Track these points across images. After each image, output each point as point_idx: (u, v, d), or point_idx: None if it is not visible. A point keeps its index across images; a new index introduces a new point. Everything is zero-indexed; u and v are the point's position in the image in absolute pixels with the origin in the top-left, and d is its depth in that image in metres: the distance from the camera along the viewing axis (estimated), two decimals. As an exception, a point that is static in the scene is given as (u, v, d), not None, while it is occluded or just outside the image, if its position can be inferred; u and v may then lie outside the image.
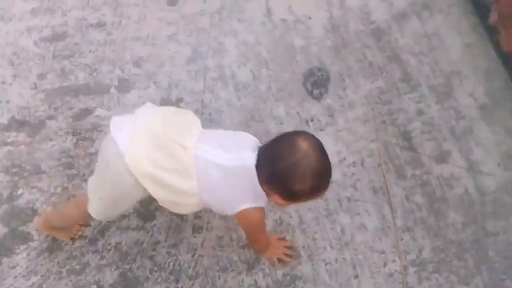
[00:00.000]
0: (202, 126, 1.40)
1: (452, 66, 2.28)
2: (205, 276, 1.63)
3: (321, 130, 2.00)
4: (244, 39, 2.20)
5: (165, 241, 1.68)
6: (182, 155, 1.30)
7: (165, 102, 1.96)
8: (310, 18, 2.32)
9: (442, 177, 1.96)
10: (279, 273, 1.66)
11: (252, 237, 1.59)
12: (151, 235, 1.69)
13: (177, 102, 1.96)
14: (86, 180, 1.71)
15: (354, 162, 1.94)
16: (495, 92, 2.24)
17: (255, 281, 1.64)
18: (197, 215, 1.73)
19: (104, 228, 1.68)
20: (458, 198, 1.92)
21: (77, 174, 1.79)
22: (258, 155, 1.31)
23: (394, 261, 1.75)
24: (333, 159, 1.84)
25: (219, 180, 1.33)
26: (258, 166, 1.30)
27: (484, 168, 2.01)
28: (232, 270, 1.65)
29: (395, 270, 1.73)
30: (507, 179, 1.99)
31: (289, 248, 1.69)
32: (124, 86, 1.99)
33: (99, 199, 1.39)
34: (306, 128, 1.98)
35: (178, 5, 2.26)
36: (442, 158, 2.01)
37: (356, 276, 1.70)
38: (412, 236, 1.80)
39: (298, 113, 2.03)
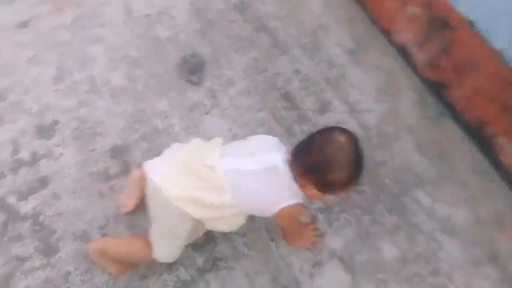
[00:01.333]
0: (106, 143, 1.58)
1: (316, 21, 2.40)
2: (128, 288, 1.63)
3: (207, 114, 2.03)
4: (110, 43, 2.15)
5: (76, 269, 1.63)
6: (210, 174, 1.40)
7: (40, 129, 1.88)
8: (172, 7, 2.32)
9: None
10: (199, 260, 1.69)
11: (289, 232, 1.68)
12: (59, 269, 1.63)
13: (53, 126, 1.90)
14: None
15: (245, 135, 1.98)
16: (359, 36, 2.40)
17: (178, 277, 1.66)
18: (103, 233, 1.70)
19: (7, 278, 1.59)
20: (347, 140, 2.05)
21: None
22: (293, 151, 1.39)
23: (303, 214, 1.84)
24: (225, 137, 1.91)
25: (251, 186, 1.41)
26: (293, 160, 1.38)
27: (363, 107, 2.16)
28: (153, 275, 1.65)
29: (306, 222, 1.82)
30: (384, 110, 2.16)
31: (316, 229, 1.77)
32: (-8, 123, 1.89)
33: (157, 237, 1.49)
34: (191, 115, 2.00)
35: (30, 25, 2.16)
36: (324, 108, 2.13)
37: (272, 239, 1.77)
38: (314, 187, 1.90)
39: (181, 103, 2.04)
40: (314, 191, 1.39)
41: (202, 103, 2.05)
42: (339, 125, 2.04)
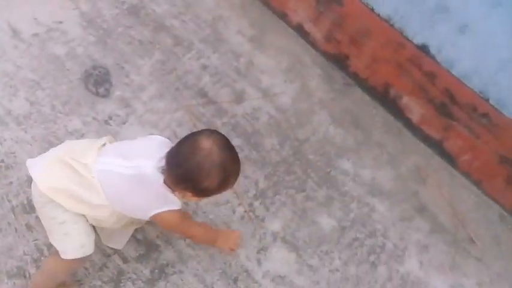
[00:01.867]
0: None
1: (212, 13, 2.42)
2: (79, 315, 1.56)
3: (124, 123, 1.98)
4: (2, 70, 2.01)
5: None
6: (84, 171, 1.35)
7: None
8: (61, 22, 2.22)
9: (247, 114, 2.12)
10: (146, 271, 1.66)
11: (182, 234, 1.63)
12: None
13: (-41, 166, 1.75)
14: None
15: (168, 138, 1.96)
16: (257, 22, 2.46)
17: (128, 292, 1.63)
18: (39, 265, 1.61)
19: None
20: (267, 124, 2.11)
21: None
22: (166, 161, 1.33)
23: (239, 204, 1.87)
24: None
25: (123, 189, 1.36)
26: (167, 170, 1.33)
27: (276, 90, 2.23)
28: (102, 295, 1.60)
29: (245, 211, 1.86)
30: (296, 89, 2.25)
31: (237, 237, 1.72)
32: None
33: (53, 238, 1.41)
34: (108, 128, 1.94)
35: None
36: (239, 98, 2.17)
37: (215, 235, 1.79)
38: (244, 175, 1.94)
39: (94, 118, 1.97)
40: (194, 198, 1.38)
41: (116, 114, 2.00)
42: (256, 111, 2.13)
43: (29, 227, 1.67)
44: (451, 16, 1.91)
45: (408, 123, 2.24)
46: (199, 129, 1.44)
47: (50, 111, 1.94)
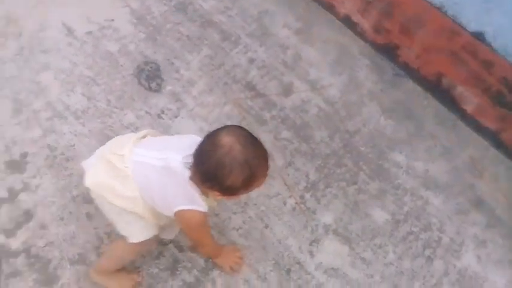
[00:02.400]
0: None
1: (258, 7, 2.42)
2: (137, 302, 1.61)
3: (176, 117, 2.02)
4: (59, 67, 2.09)
5: (81, 292, 1.61)
6: (120, 163, 1.38)
7: (10, 165, 1.81)
8: (113, 20, 2.28)
9: (295, 107, 2.12)
10: (201, 261, 1.69)
11: (195, 240, 1.57)
12: (64, 295, 1.60)
13: (23, 158, 1.83)
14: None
15: (217, 131, 2.00)
16: (303, 15, 2.45)
17: (183, 281, 1.65)
18: (99, 252, 1.67)
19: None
20: (316, 117, 2.10)
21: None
22: (193, 157, 1.32)
23: (290, 196, 1.87)
24: (199, 136, 1.90)
25: (153, 180, 1.37)
26: (193, 167, 1.32)
27: (324, 82, 2.21)
28: (158, 283, 1.64)
29: (296, 203, 1.86)
30: (344, 81, 2.23)
31: (240, 258, 1.70)
32: (-43, 170, 1.80)
33: (118, 225, 1.46)
34: (160, 121, 1.99)
35: (-27, 65, 2.06)
36: (287, 90, 2.16)
37: (266, 226, 1.79)
38: (295, 168, 1.94)
39: (147, 112, 2.02)
40: (222, 197, 1.35)
41: (168, 108, 2.04)
42: (305, 104, 2.12)
43: (89, 216, 1.73)
44: (507, 1, 1.84)
45: (462, 114, 2.18)
46: (223, 125, 1.40)
47: (106, 106, 2.01)
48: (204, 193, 1.37)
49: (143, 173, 1.38)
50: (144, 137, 1.49)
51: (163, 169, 1.36)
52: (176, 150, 1.37)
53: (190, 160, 1.33)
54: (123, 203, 1.40)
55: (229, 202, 1.80)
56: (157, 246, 1.68)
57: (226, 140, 1.26)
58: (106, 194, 1.40)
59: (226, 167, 1.25)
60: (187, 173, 1.33)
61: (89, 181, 1.42)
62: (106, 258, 1.60)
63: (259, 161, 1.30)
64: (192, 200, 1.36)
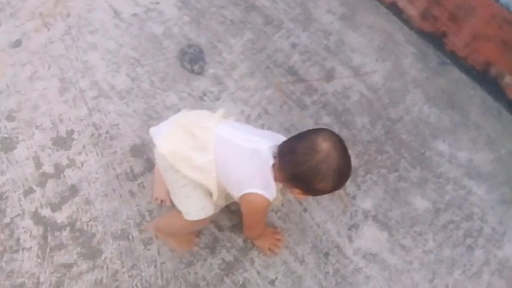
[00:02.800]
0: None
1: (302, -8, 2.41)
2: (176, 278, 1.64)
3: (217, 100, 2.04)
4: (106, 48, 2.14)
5: (123, 267, 1.65)
6: (202, 133, 1.41)
7: (57, 141, 1.87)
8: (158, 3, 2.31)
9: (337, 92, 2.10)
10: (240, 241, 1.71)
11: (249, 223, 1.58)
12: (107, 268, 1.65)
13: (69, 135, 1.89)
14: (16, 251, 1.64)
15: (259, 115, 2.01)
16: (347, 0, 2.41)
17: (223, 259, 1.68)
18: (141, 229, 1.71)
19: (58, 285, 1.61)
20: (358, 103, 2.08)
21: (4, 249, 1.67)
22: (279, 151, 1.35)
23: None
24: (240, 118, 1.92)
25: (233, 157, 1.40)
26: (278, 160, 1.34)
27: (367, 69, 2.18)
28: (197, 261, 1.67)
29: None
30: (388, 68, 2.19)
31: (279, 240, 1.71)
32: (7, 144, 1.87)
33: (176, 200, 1.51)
34: (202, 103, 2.01)
35: (23, 44, 2.13)
36: (329, 76, 2.15)
37: (305, 210, 1.79)
38: (335, 154, 1.92)
39: (189, 94, 2.04)
40: (298, 191, 1.37)
41: (209, 90, 2.06)
42: (347, 90, 2.10)
43: (132, 194, 1.77)
44: None
45: (509, 104, 2.11)
46: (316, 128, 1.42)
47: (149, 87, 2.04)
48: (277, 183, 1.39)
49: (225, 149, 1.40)
50: (224, 115, 1.53)
51: (250, 151, 1.38)
52: (265, 138, 1.41)
53: (275, 150, 1.36)
54: (196, 174, 1.42)
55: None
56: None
57: (324, 146, 1.26)
58: (180, 163, 1.42)
59: (321, 173, 1.27)
60: (271, 161, 1.36)
61: (165, 148, 1.43)
62: (164, 223, 1.66)
63: (349, 168, 1.33)
64: (267, 187, 1.38)
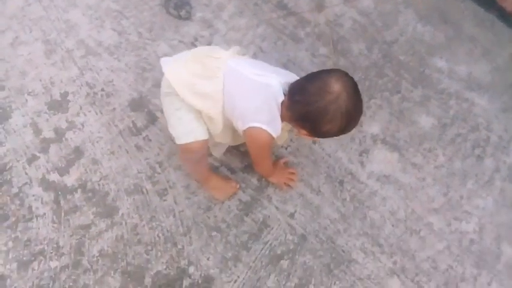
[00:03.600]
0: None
1: None
2: (197, 224, 1.64)
3: (210, 43, 1.98)
4: (86, 3, 2.05)
5: (142, 220, 1.65)
6: (214, 63, 1.40)
7: (52, 105, 1.82)
8: (131, -50, 2.20)
9: (330, 22, 2.06)
10: (254, 180, 1.71)
11: (255, 159, 1.57)
12: (126, 224, 1.64)
13: (64, 97, 1.83)
14: (30, 220, 1.62)
15: (254, 53, 1.96)
16: None
17: (240, 200, 1.68)
18: (154, 181, 1.69)
19: (78, 247, 1.60)
20: (351, 30, 2.04)
21: (17, 219, 1.65)
22: (289, 89, 1.33)
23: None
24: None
25: (241, 89, 1.38)
26: (288, 99, 1.33)
27: (357, -6, 2.13)
28: (215, 205, 1.67)
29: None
30: (378, -9, 2.14)
31: (293, 174, 1.70)
32: (1, 114, 1.80)
33: (177, 119, 1.45)
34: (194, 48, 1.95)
35: (-1, 10, 2.03)
36: (319, 6, 2.09)
37: (314, 142, 1.79)
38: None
39: (180, 41, 1.98)
40: (305, 133, 1.36)
41: (200, 35, 2.00)
42: (339, 18, 2.05)
43: (138, 148, 1.75)
44: None
45: (502, 13, 2.09)
46: (330, 68, 1.38)
47: (138, 39, 1.97)
48: (285, 123, 1.39)
49: (235, 81, 1.38)
50: (237, 53, 1.51)
51: (260, 84, 1.36)
52: (278, 74, 1.39)
53: (286, 88, 1.35)
54: (202, 102, 1.40)
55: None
56: (209, 168, 1.70)
57: (336, 87, 1.24)
58: (182, 89, 1.40)
59: (329, 114, 1.25)
60: (281, 98, 1.34)
61: (172, 76, 1.42)
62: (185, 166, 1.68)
63: (358, 113, 1.31)
64: (272, 122, 1.37)
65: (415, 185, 1.73)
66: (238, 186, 1.67)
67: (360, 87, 1.86)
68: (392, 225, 1.67)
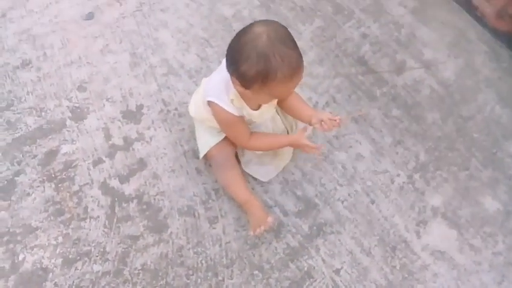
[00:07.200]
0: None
1: (374, -17, 2.36)
2: (241, 259, 1.63)
3: (285, 84, 2.01)
4: (176, 26, 2.15)
5: (188, 243, 1.65)
6: None
7: (126, 114, 1.89)
8: (228, -15, 2.30)
9: (407, 86, 2.05)
10: (305, 227, 1.69)
11: (229, 136, 1.61)
12: (172, 243, 1.65)
13: (139, 109, 1.90)
14: (83, 219, 1.66)
15: (327, 102, 1.98)
16: (419, -6, 2.36)
17: (287, 244, 1.66)
18: (207, 207, 1.71)
19: (123, 257, 1.62)
20: (428, 98, 2.03)
21: (71, 216, 1.70)
22: None
23: (398, 175, 1.82)
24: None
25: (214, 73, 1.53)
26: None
27: (439, 63, 2.13)
28: (262, 243, 1.66)
29: (403, 182, 1.81)
30: (460, 64, 2.13)
31: (313, 148, 1.54)
32: (78, 114, 1.89)
33: (198, 139, 1.73)
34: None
35: (96, 17, 2.16)
36: (400, 68, 2.10)
37: (372, 202, 1.76)
38: (404, 147, 1.89)
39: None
40: (240, 87, 1.32)
41: (277, 75, 2.03)
42: (418, 84, 2.05)
43: (198, 171, 1.77)
44: None
45: None
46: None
47: (217, 67, 2.03)
48: (241, 97, 1.43)
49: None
50: None
51: (221, 66, 1.45)
52: None
53: None
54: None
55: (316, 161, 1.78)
56: (263, 207, 1.70)
57: (257, 29, 1.24)
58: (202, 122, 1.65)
59: (244, 52, 1.24)
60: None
61: (191, 111, 1.66)
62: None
63: (279, 60, 1.22)
64: (219, 97, 1.42)
65: (469, 267, 1.66)
66: (272, 222, 1.60)
67: (428, 156, 1.86)
68: (439, 305, 1.60)
